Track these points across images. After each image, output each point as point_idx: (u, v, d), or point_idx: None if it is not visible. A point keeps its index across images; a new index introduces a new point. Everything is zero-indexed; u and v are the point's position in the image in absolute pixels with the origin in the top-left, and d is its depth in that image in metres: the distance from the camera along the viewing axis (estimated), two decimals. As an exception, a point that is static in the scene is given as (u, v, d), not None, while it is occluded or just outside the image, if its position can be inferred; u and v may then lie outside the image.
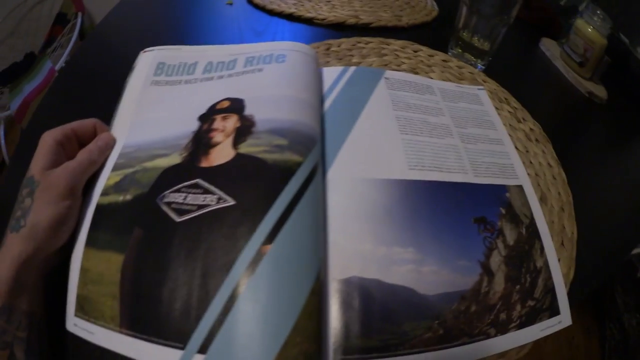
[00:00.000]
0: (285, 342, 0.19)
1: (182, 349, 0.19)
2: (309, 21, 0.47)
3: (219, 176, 0.24)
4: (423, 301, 0.24)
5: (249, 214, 0.22)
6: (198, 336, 0.19)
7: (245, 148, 0.25)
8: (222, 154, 0.25)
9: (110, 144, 0.27)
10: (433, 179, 0.30)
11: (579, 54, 0.48)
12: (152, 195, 0.24)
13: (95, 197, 0.25)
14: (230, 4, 0.50)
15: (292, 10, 0.47)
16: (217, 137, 0.26)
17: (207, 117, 0.28)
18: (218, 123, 0.27)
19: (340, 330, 0.22)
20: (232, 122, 0.27)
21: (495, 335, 0.25)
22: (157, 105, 0.30)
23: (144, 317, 0.21)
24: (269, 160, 0.24)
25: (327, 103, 0.33)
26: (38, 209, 0.22)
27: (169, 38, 0.45)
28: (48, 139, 0.24)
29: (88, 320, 0.21)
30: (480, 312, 0.25)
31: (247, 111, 0.27)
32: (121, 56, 0.35)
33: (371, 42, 0.43)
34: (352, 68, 0.37)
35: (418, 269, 0.25)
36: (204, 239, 0.22)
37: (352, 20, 0.47)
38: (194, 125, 0.27)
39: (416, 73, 0.41)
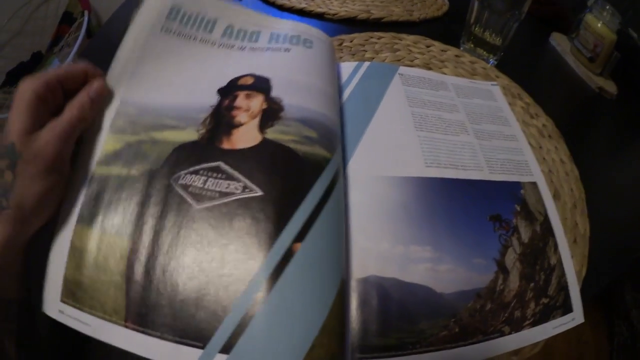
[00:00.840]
0: (313, 344, 0.18)
1: (202, 348, 0.18)
2: (320, 16, 0.46)
3: (244, 161, 0.22)
4: (439, 299, 0.25)
5: (279, 208, 0.20)
6: (221, 335, 0.18)
7: (273, 134, 0.23)
8: (246, 136, 0.23)
9: (105, 94, 0.23)
10: (449, 177, 0.30)
11: (589, 49, 0.48)
12: (164, 174, 0.21)
13: (91, 165, 0.21)
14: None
15: (303, 5, 0.46)
16: (240, 116, 0.24)
17: (227, 92, 0.25)
18: (241, 101, 0.24)
19: (358, 330, 0.22)
20: (258, 102, 0.25)
21: (510, 333, 0.25)
22: (166, 60, 0.26)
23: (156, 312, 0.19)
24: (299, 151, 0.23)
25: (343, 98, 0.33)
26: (23, 186, 0.18)
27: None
28: (27, 93, 0.19)
29: (81, 310, 0.19)
30: (495, 310, 0.26)
31: (274, 93, 0.25)
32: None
33: (383, 37, 0.43)
34: (366, 63, 0.36)
35: (435, 268, 0.25)
36: (227, 230, 0.20)
37: (363, 15, 0.46)
38: (213, 98, 0.25)
39: (429, 68, 0.41)
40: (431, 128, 0.33)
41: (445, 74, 0.40)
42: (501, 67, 0.46)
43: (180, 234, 0.20)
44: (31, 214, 0.19)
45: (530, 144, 0.37)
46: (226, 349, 0.18)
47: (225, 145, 0.23)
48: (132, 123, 0.23)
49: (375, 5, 0.48)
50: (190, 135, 0.23)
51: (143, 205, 0.21)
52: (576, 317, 0.28)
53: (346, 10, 0.46)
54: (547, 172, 0.36)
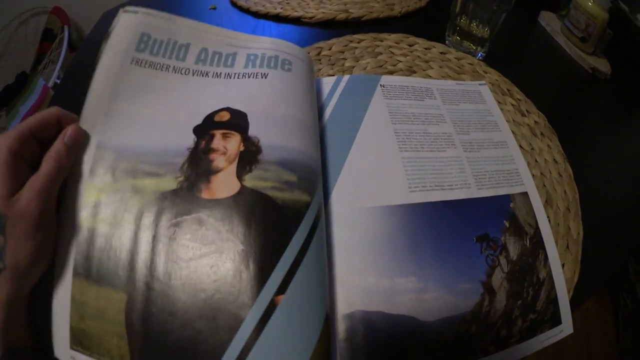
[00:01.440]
0: None
1: None
2: (296, 21, 0.44)
3: (224, 213, 0.22)
4: (424, 327, 0.25)
5: (260, 263, 0.21)
6: None
7: (251, 181, 0.23)
8: (225, 184, 0.23)
9: (80, 139, 0.22)
10: (435, 200, 0.29)
11: (581, 29, 0.45)
12: (149, 227, 0.21)
13: (77, 218, 0.22)
14: (214, 9, 0.47)
15: (278, 10, 0.44)
16: (218, 161, 0.23)
17: (204, 131, 0.24)
18: (218, 142, 0.24)
19: (346, 361, 0.23)
20: (235, 144, 0.24)
21: (495, 352, 0.26)
22: (140, 96, 0.25)
23: (158, 358, 0.20)
24: (278, 200, 0.22)
25: (323, 120, 0.31)
26: (14, 246, 0.19)
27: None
28: (3, 153, 0.19)
29: (91, 356, 0.20)
30: (481, 332, 0.26)
31: (252, 131, 0.24)
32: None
33: (364, 40, 0.41)
34: (346, 77, 0.35)
35: (420, 297, 0.26)
36: (212, 284, 0.20)
37: (342, 16, 0.44)
38: (189, 138, 0.24)
39: (413, 72, 0.39)
40: (416, 146, 0.32)
41: (430, 76, 0.39)
42: (490, 55, 0.44)
43: (170, 285, 0.21)
44: (27, 271, 0.20)
45: (521, 146, 0.36)
46: None
47: (205, 194, 0.22)
48: (112, 169, 0.22)
49: (354, 2, 0.45)
50: (169, 183, 0.22)
51: (132, 258, 0.21)
52: (565, 329, 0.28)
53: (323, 12, 0.44)
54: (539, 176, 0.35)
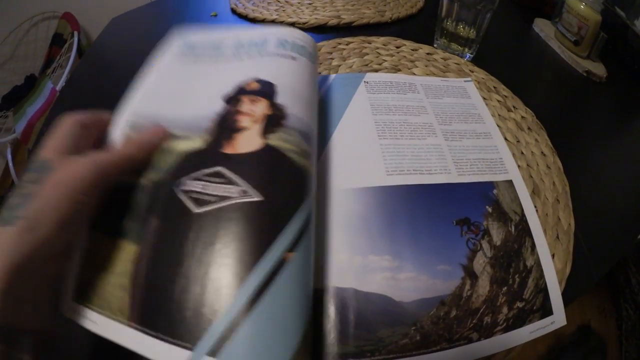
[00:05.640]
0: (297, 349, 0.18)
1: (191, 349, 0.18)
2: (291, 26, 0.47)
3: (245, 166, 0.22)
4: (398, 308, 0.24)
5: (278, 215, 0.20)
6: (209, 339, 0.18)
7: (275, 141, 0.23)
8: (249, 141, 0.23)
9: (164, 142, 0.23)
10: (412, 183, 0.29)
11: (573, 32, 0.46)
12: (170, 181, 0.22)
13: None
14: (215, 15, 0.51)
15: (274, 17, 0.47)
16: (244, 121, 0.24)
17: (233, 98, 0.25)
18: (246, 106, 0.24)
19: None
20: (262, 107, 0.24)
21: (479, 340, 0.25)
22: (178, 79, 0.27)
23: (155, 313, 0.19)
24: (297, 163, 0.23)
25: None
26: (46, 198, 0.17)
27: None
28: (70, 119, 0.20)
29: (91, 308, 0.20)
30: (462, 316, 0.25)
31: (279, 99, 0.25)
32: (118, 72, 0.37)
33: (352, 42, 0.43)
34: (331, 77, 0.36)
35: (394, 277, 0.25)
36: (223, 234, 0.19)
37: (333, 21, 0.46)
38: (218, 105, 0.25)
39: (398, 70, 0.40)
40: (395, 134, 0.32)
41: (415, 74, 0.40)
42: (480, 60, 0.44)
43: (179, 238, 0.20)
44: (47, 227, 0.17)
45: (506, 139, 0.36)
46: (213, 352, 0.18)
47: (227, 149, 0.22)
48: None
49: (347, 9, 0.48)
50: (196, 143, 0.23)
51: (151, 212, 0.21)
52: (557, 320, 0.27)
53: (316, 18, 0.46)
54: (525, 167, 0.34)
